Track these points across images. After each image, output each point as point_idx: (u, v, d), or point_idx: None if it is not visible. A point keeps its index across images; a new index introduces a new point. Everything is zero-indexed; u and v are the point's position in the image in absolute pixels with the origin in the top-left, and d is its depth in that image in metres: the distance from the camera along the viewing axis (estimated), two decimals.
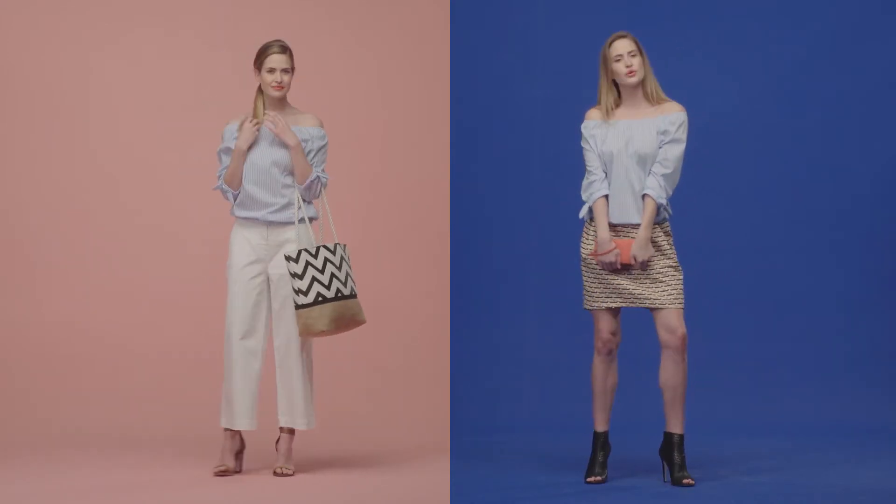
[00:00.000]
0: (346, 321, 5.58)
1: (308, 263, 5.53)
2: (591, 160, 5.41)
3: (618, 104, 5.43)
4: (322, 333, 5.55)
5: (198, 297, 7.10)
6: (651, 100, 5.39)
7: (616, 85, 5.43)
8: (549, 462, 5.84)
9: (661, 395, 5.39)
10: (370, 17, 7.36)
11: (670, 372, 5.36)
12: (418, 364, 7.17)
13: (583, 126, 5.45)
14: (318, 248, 5.55)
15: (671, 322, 5.33)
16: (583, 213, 5.46)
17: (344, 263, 5.62)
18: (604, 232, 5.36)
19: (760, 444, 6.22)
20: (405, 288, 7.29)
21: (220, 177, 5.66)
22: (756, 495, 5.18)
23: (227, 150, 5.64)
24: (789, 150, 7.03)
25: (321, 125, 5.74)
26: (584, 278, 5.45)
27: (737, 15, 7.03)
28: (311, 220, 5.68)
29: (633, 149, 5.35)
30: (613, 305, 5.39)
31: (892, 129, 6.98)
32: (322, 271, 5.54)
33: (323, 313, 5.51)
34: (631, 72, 5.35)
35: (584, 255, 5.46)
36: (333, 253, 5.59)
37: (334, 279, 5.55)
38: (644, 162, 5.35)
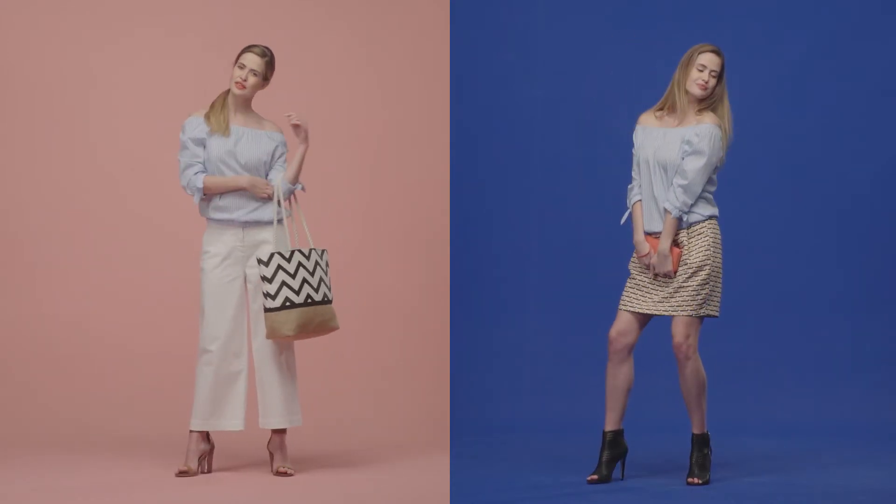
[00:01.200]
0: (315, 327, 5.55)
1: (279, 267, 5.49)
2: (634, 165, 5.48)
3: (672, 110, 5.44)
4: (288, 338, 5.53)
5: (198, 297, 7.09)
6: (699, 113, 5.41)
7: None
8: (549, 462, 5.83)
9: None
10: (370, 17, 7.36)
11: (680, 379, 5.42)
12: (418, 364, 7.17)
13: (637, 127, 5.48)
14: (292, 252, 5.52)
15: (673, 330, 5.36)
16: (623, 219, 5.48)
17: (318, 269, 5.58)
18: (638, 235, 5.41)
19: (760, 444, 6.22)
20: (405, 288, 7.29)
21: (189, 169, 5.56)
22: (756, 495, 5.18)
23: (198, 142, 5.57)
24: (789, 150, 7.03)
25: (282, 132, 5.74)
26: (628, 281, 5.47)
27: (737, 15, 7.03)
28: (281, 220, 5.67)
29: (658, 157, 5.38)
30: (633, 310, 5.40)
31: (892, 130, 6.98)
32: (293, 276, 5.50)
33: (289, 318, 5.47)
34: (703, 86, 5.36)
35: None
36: (307, 258, 5.56)
37: (305, 284, 5.52)
38: (665, 170, 5.38)
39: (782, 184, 7.03)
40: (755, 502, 5.09)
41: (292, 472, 5.60)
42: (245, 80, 5.59)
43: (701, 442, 5.43)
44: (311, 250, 5.59)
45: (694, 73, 5.38)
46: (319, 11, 7.33)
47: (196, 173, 5.59)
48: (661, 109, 5.45)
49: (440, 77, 7.19)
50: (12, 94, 7.13)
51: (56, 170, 7.15)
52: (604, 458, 5.42)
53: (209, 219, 5.66)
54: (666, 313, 5.35)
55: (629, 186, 5.46)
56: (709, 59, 5.38)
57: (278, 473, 5.59)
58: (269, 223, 5.62)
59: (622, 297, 5.44)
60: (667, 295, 5.36)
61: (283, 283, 5.48)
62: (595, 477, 5.38)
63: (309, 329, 5.52)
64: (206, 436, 5.63)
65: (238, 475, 5.63)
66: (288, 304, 5.48)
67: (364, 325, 7.15)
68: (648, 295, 5.39)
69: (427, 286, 7.27)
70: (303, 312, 5.49)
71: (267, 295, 5.49)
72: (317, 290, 5.55)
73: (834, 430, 6.51)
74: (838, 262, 7.00)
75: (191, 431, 5.61)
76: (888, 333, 6.95)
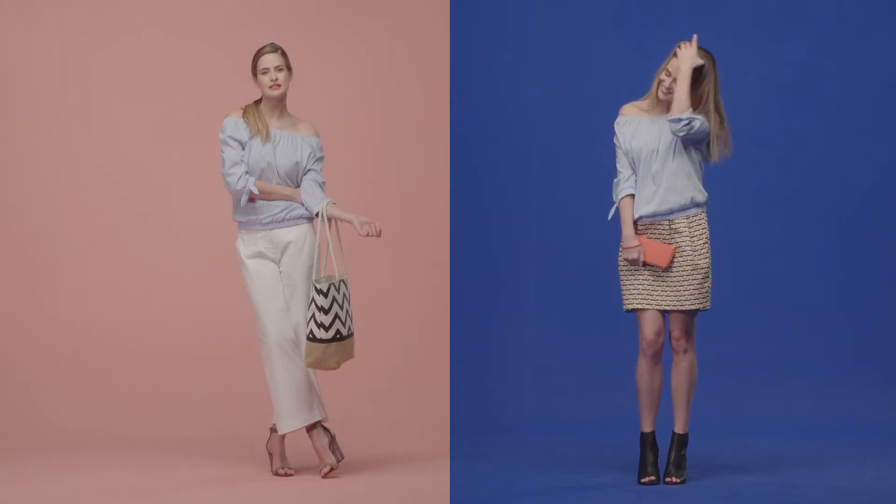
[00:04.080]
0: (343, 358, 5.55)
1: (334, 300, 5.46)
2: (619, 158, 5.44)
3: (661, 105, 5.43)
4: (329, 369, 5.51)
5: (198, 297, 7.10)
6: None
7: None
8: (549, 462, 5.83)
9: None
10: (370, 18, 7.36)
11: (672, 373, 5.41)
12: (418, 364, 7.16)
13: (617, 120, 5.45)
14: (340, 282, 5.49)
15: (673, 324, 5.37)
16: (611, 214, 5.42)
17: (345, 301, 5.55)
18: (628, 230, 5.37)
19: (760, 444, 6.22)
20: (405, 288, 7.29)
21: (236, 167, 5.51)
22: (756, 495, 5.18)
23: (240, 142, 5.53)
24: (790, 150, 7.03)
25: (318, 135, 5.73)
26: (624, 279, 5.42)
27: (737, 15, 7.03)
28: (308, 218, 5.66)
29: (653, 145, 5.35)
30: (659, 307, 5.36)
31: (893, 129, 6.98)
32: (341, 307, 5.49)
33: (337, 351, 5.47)
34: (666, 92, 5.34)
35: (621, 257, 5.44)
36: (347, 288, 5.55)
37: (348, 316, 5.52)
38: (657, 154, 5.35)
39: (783, 184, 7.03)
40: (755, 502, 5.09)
41: (292, 472, 5.60)
42: (276, 80, 5.57)
43: (681, 442, 5.41)
44: (341, 281, 5.53)
45: (662, 75, 5.37)
46: (319, 12, 7.34)
47: (245, 174, 5.54)
48: (647, 101, 5.42)
49: (440, 77, 7.19)
50: (14, 94, 7.13)
51: (57, 170, 7.15)
52: (651, 460, 5.38)
53: (238, 223, 5.65)
54: (675, 308, 5.35)
55: (615, 181, 5.44)
56: (674, 66, 5.33)
57: (277, 474, 5.59)
58: (294, 224, 5.61)
59: (635, 297, 5.36)
60: (675, 290, 5.35)
61: (336, 316, 5.47)
62: (652, 479, 5.34)
63: (343, 360, 5.53)
64: (323, 427, 5.57)
65: (238, 475, 5.63)
66: (338, 336, 5.47)
67: (364, 325, 7.14)
68: (660, 291, 5.36)
69: (427, 286, 7.27)
70: (345, 345, 5.51)
71: (321, 325, 5.44)
72: (352, 321, 5.55)
73: (834, 430, 6.51)
74: (839, 263, 7.00)
75: (282, 434, 5.56)
76: (889, 333, 6.95)
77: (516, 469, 5.71)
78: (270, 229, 5.61)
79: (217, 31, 7.24)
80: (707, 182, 5.53)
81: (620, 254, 5.42)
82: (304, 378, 5.54)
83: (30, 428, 6.58)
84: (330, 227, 5.56)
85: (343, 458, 5.60)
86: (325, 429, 5.62)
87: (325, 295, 5.45)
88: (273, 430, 5.67)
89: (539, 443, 6.31)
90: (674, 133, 5.30)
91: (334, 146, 7.07)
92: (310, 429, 5.57)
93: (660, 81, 5.35)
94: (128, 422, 6.67)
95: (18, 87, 7.14)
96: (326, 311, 5.46)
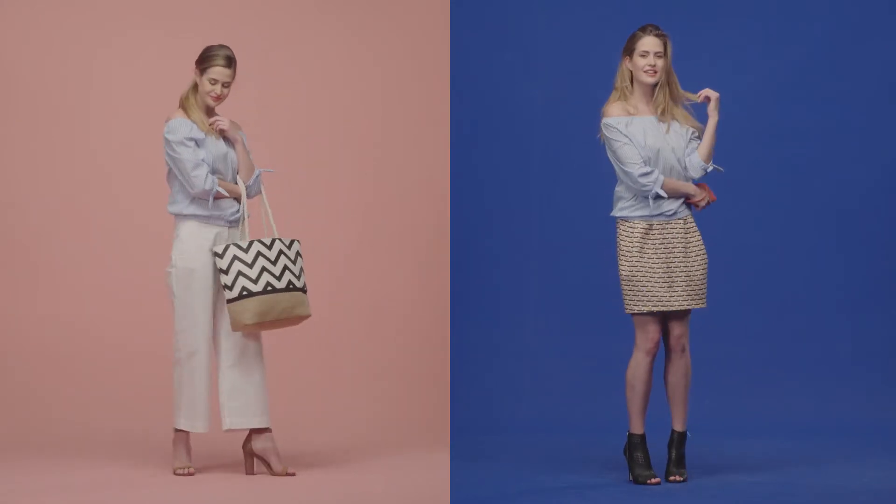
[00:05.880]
0: (279, 315, 5.51)
1: (235, 258, 5.49)
2: (634, 154, 5.31)
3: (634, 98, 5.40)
4: (249, 327, 5.50)
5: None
6: (661, 106, 5.37)
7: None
8: (549, 462, 5.84)
9: (665, 391, 5.41)
10: (370, 17, 7.36)
11: (670, 372, 5.40)
12: (418, 364, 7.16)
13: (614, 122, 5.35)
14: (250, 243, 5.52)
15: (673, 322, 5.37)
16: (661, 193, 5.30)
17: (282, 258, 5.54)
18: (690, 187, 5.36)
19: (760, 444, 6.22)
20: (405, 288, 7.28)
21: (198, 168, 5.55)
22: (756, 495, 5.18)
23: (198, 141, 5.57)
24: (791, 150, 7.03)
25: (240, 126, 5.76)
26: (643, 282, 5.34)
27: (737, 15, 7.03)
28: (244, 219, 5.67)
29: (677, 153, 5.36)
30: (665, 309, 5.34)
31: (893, 130, 6.98)
32: (251, 266, 5.49)
33: (247, 307, 5.45)
34: (651, 72, 5.33)
35: (623, 261, 5.38)
36: (269, 248, 5.54)
37: (265, 273, 5.49)
38: (679, 163, 5.37)
39: (783, 183, 7.03)
40: (755, 502, 5.09)
41: (293, 472, 5.59)
42: (220, 95, 5.62)
43: (681, 440, 5.41)
44: (273, 240, 5.57)
45: (640, 62, 5.34)
46: (320, 12, 7.33)
47: (210, 174, 5.57)
48: (631, 102, 5.38)
49: (440, 77, 7.18)
50: (13, 94, 7.13)
51: (56, 170, 7.15)
52: (648, 460, 5.39)
53: (191, 215, 5.63)
54: (694, 307, 5.35)
55: (645, 171, 5.29)
56: (649, 44, 5.34)
57: (277, 474, 5.57)
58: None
59: (659, 299, 5.31)
60: (694, 289, 5.35)
61: (240, 273, 5.48)
62: (658, 479, 5.34)
63: (270, 317, 5.49)
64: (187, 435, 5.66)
65: (238, 474, 5.63)
66: (245, 293, 5.47)
67: (364, 324, 7.15)
68: (679, 290, 5.34)
69: (427, 286, 7.27)
70: (262, 301, 5.47)
71: (224, 286, 5.49)
72: (279, 279, 5.53)
73: (834, 430, 6.51)
74: (839, 263, 7.00)
75: (185, 431, 5.62)
76: (889, 333, 6.95)
77: (516, 469, 5.72)
78: (230, 227, 5.65)
79: (217, 31, 7.20)
80: (707, 181, 5.52)
81: (699, 201, 5.37)
82: (203, 387, 5.60)
83: (30, 428, 6.58)
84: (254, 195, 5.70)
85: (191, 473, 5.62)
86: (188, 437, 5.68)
87: (222, 256, 5.49)
88: (259, 431, 5.65)
89: (539, 443, 6.31)
90: (698, 178, 5.40)
91: (334, 146, 7.09)
92: (257, 431, 5.60)
93: (637, 70, 5.33)
94: (128, 422, 6.67)
95: (18, 87, 7.14)
96: (227, 272, 5.49)
